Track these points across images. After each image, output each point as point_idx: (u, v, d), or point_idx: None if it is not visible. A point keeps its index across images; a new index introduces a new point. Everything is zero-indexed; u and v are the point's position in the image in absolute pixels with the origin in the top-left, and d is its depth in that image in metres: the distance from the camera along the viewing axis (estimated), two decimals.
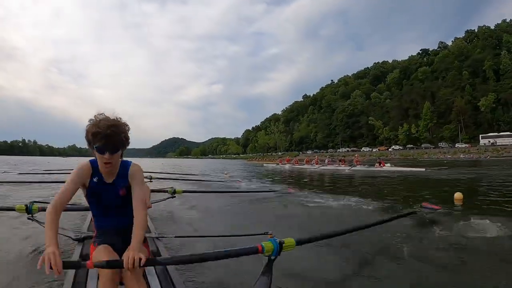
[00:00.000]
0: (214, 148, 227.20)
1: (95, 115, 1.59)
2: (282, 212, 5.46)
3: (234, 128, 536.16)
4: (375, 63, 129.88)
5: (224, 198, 6.44)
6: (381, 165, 18.27)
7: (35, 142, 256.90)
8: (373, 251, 3.34)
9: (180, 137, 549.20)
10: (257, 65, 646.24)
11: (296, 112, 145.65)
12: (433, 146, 70.38)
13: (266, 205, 6.15)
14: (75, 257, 2.09)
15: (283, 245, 1.71)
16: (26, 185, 7.86)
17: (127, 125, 1.67)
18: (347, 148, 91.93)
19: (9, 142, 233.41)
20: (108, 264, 1.41)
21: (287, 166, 27.14)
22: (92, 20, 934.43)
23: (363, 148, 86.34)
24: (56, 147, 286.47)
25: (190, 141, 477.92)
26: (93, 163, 1.68)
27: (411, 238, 3.72)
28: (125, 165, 1.73)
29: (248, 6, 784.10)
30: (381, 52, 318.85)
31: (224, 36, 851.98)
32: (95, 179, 1.67)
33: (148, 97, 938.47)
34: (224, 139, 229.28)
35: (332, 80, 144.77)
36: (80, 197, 1.99)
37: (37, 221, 2.79)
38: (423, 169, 16.32)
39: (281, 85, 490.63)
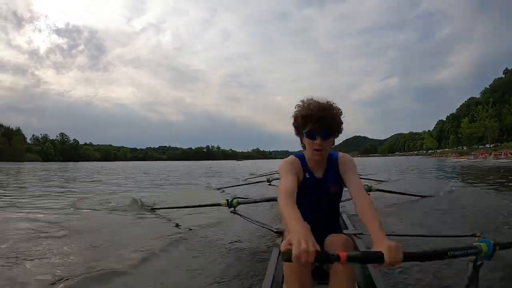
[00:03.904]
0: (402, 144, 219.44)
1: (302, 100, 1.51)
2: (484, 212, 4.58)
3: (415, 122, 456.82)
4: None
5: (418, 200, 5.81)
6: None
7: (218, 147, 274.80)
8: None
9: (361, 135, 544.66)
10: (431, 50, 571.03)
11: (501, 92, 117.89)
12: None
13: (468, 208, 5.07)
14: (276, 250, 1.98)
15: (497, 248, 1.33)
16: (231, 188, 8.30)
17: (340, 109, 1.50)
18: None
19: (193, 148, 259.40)
20: (365, 258, 1.08)
21: (476, 160, 27.26)
22: (258, 34, 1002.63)
23: None
24: (240, 150, 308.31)
25: (373, 139, 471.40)
26: (300, 158, 1.59)
27: None
28: (333, 157, 1.58)
29: None
30: None
31: (389, 25, 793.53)
32: (307, 175, 1.56)
33: (324, 98, 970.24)
34: (412, 133, 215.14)
35: None
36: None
37: (238, 214, 3.12)
38: None
39: (463, 67, 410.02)
